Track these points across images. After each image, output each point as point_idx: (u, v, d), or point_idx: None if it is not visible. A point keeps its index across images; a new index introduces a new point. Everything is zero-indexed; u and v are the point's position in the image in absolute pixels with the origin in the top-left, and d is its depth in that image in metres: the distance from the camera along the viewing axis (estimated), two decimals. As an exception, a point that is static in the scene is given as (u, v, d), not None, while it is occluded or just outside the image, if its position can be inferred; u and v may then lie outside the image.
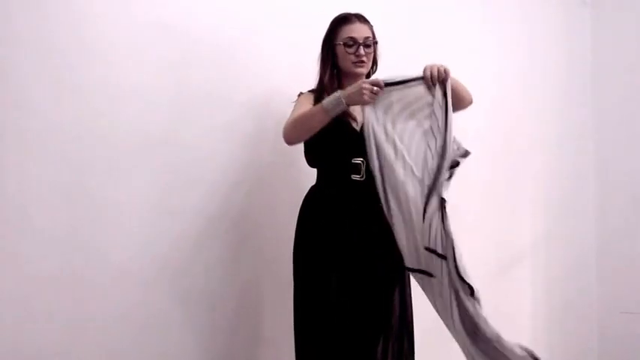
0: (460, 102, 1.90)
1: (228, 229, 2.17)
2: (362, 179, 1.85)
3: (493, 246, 2.88)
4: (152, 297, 2.02)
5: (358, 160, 1.85)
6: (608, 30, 3.38)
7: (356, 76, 1.92)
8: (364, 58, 1.91)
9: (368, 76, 2.00)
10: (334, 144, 1.86)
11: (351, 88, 1.79)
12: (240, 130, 2.19)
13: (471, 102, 1.96)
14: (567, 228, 3.24)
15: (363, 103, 1.79)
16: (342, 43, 1.91)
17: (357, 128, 1.88)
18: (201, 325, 2.09)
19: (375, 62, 2.00)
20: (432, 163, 1.80)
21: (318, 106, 1.81)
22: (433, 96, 1.80)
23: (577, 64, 3.37)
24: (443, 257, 1.77)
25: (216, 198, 2.15)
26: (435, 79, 1.79)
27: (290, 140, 1.89)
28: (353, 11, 1.97)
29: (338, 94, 1.79)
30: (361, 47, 1.90)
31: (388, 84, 1.80)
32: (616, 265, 3.27)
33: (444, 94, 1.79)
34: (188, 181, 2.10)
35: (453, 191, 2.75)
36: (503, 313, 2.92)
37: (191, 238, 2.09)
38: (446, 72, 1.79)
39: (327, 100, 1.79)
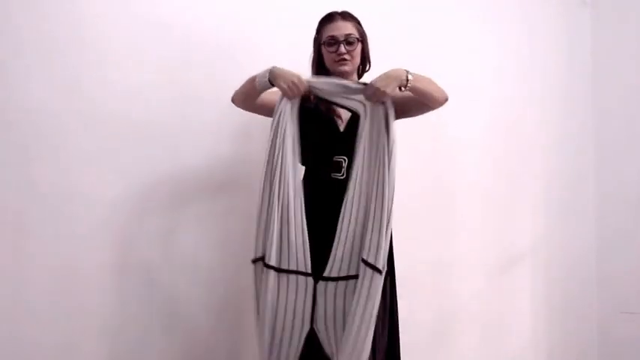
0: (429, 100, 1.82)
1: (229, 225, 2.18)
2: (342, 178, 1.81)
3: (493, 246, 2.89)
4: (149, 294, 2.02)
5: (340, 159, 1.83)
6: (608, 30, 3.38)
7: (341, 75, 1.88)
8: (346, 56, 1.86)
9: (360, 75, 1.98)
10: (316, 141, 1.84)
11: (283, 71, 1.77)
12: (241, 129, 2.19)
13: (443, 99, 1.83)
14: (567, 228, 3.24)
15: (281, 90, 1.77)
16: (324, 42, 1.89)
17: (342, 127, 1.87)
18: (189, 321, 2.10)
19: (367, 60, 1.96)
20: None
21: (254, 75, 1.82)
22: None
23: (577, 64, 3.37)
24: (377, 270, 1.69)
25: (218, 196, 2.16)
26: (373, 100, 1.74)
27: (233, 99, 1.91)
28: (350, 10, 1.95)
29: (270, 68, 1.78)
30: (342, 45, 1.86)
31: (318, 92, 1.79)
32: (616, 265, 3.26)
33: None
34: (189, 181, 2.10)
35: (453, 192, 2.78)
36: (504, 313, 2.94)
37: (190, 234, 2.11)
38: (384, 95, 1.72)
39: (261, 72, 1.80)
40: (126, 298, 1.98)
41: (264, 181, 1.76)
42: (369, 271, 1.69)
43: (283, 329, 1.75)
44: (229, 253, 2.16)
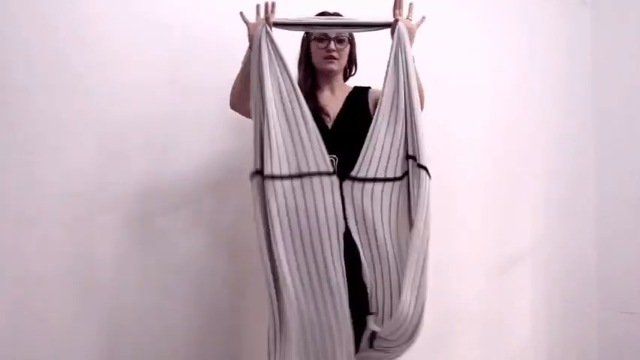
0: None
1: (228, 222, 2.18)
2: None
3: (493, 246, 2.89)
4: (149, 293, 2.03)
5: (330, 157, 1.77)
6: (608, 30, 3.38)
7: (328, 73, 1.89)
8: (334, 54, 1.87)
9: (345, 77, 1.99)
10: None
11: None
12: (240, 128, 2.19)
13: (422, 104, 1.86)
14: (567, 228, 3.24)
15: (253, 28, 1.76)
16: (314, 38, 1.90)
17: (330, 124, 1.86)
18: (187, 320, 2.10)
19: (353, 62, 1.98)
20: None
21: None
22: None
23: (577, 64, 3.37)
24: None
25: (218, 194, 2.17)
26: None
27: (230, 103, 1.90)
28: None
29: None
30: (332, 42, 1.87)
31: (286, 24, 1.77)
32: (616, 265, 3.26)
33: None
34: (189, 180, 2.10)
35: (453, 192, 2.78)
36: (504, 313, 2.94)
37: (190, 232, 2.11)
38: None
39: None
40: (126, 297, 1.98)
41: (253, 99, 1.72)
42: (417, 169, 1.71)
43: (319, 232, 1.69)
44: (227, 250, 2.17)
